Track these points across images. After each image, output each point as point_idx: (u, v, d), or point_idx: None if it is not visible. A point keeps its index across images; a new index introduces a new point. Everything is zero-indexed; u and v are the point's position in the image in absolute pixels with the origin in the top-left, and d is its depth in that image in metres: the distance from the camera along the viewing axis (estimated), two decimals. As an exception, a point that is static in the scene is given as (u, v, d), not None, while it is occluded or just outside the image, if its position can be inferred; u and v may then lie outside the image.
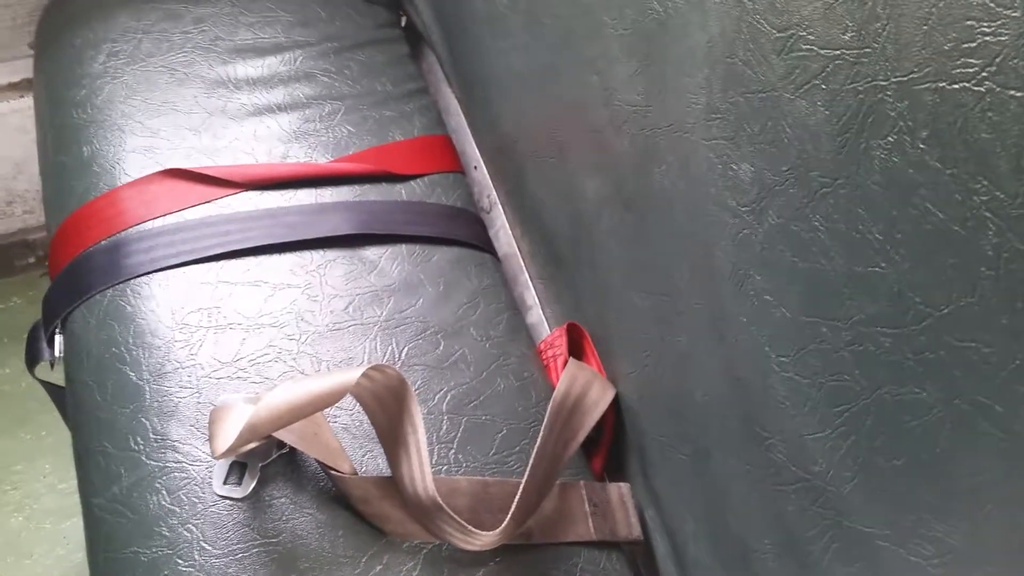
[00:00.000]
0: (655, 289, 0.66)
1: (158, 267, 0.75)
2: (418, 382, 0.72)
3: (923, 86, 0.40)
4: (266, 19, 0.92)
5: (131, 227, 0.78)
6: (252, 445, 0.63)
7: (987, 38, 0.37)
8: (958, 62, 0.38)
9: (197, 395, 0.69)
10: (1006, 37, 0.36)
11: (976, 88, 0.38)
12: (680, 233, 0.62)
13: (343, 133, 0.86)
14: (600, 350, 0.77)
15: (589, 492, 0.71)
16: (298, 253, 0.77)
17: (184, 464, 0.67)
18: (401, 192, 0.84)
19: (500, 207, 0.91)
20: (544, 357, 0.80)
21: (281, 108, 0.86)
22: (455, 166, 0.89)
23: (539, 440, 0.67)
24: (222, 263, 0.76)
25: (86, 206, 0.80)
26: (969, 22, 0.37)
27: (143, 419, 0.69)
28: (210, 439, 0.62)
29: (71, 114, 0.86)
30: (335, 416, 0.69)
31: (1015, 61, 0.36)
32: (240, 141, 0.83)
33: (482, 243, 0.84)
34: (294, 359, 0.71)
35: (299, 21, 0.93)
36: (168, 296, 0.74)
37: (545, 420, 0.69)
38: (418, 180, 0.85)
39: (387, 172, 0.83)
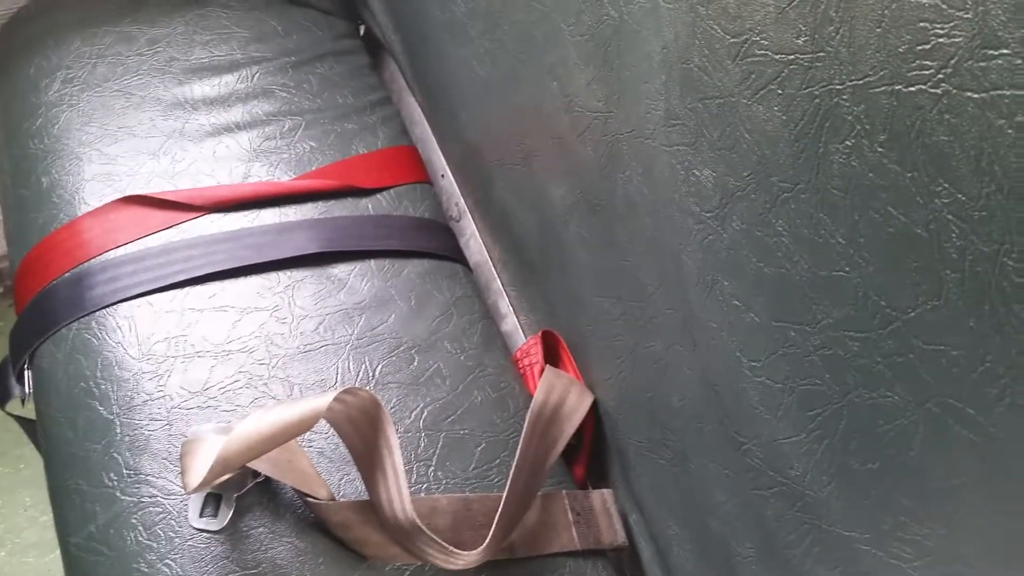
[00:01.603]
0: (626, 295, 0.66)
1: (122, 297, 0.74)
2: (393, 400, 0.71)
3: (879, 89, 0.40)
4: (221, 36, 0.90)
5: (93, 257, 0.76)
6: (226, 476, 0.62)
7: (941, 40, 0.36)
8: (913, 64, 0.38)
9: (168, 427, 0.68)
10: (960, 39, 0.36)
11: (932, 90, 0.37)
12: (647, 239, 0.61)
13: (305, 149, 0.85)
14: (576, 356, 0.77)
15: (571, 501, 0.70)
16: (264, 275, 0.76)
17: (159, 498, 0.66)
18: (367, 206, 0.83)
19: (469, 215, 0.90)
20: (520, 366, 0.79)
21: (240, 127, 0.85)
22: (421, 176, 0.88)
23: (518, 452, 0.67)
24: (187, 289, 0.74)
25: (48, 238, 0.79)
26: (922, 24, 0.37)
27: (115, 454, 0.68)
28: (182, 473, 0.61)
29: (28, 144, 0.84)
30: (310, 440, 0.68)
31: (970, 63, 0.35)
32: (200, 163, 0.82)
33: (452, 253, 0.83)
34: (265, 384, 0.70)
35: (254, 36, 0.91)
36: (134, 327, 0.73)
37: (523, 431, 0.68)
38: (384, 193, 0.84)
39: (352, 187, 0.82)
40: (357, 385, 0.71)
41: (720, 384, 0.56)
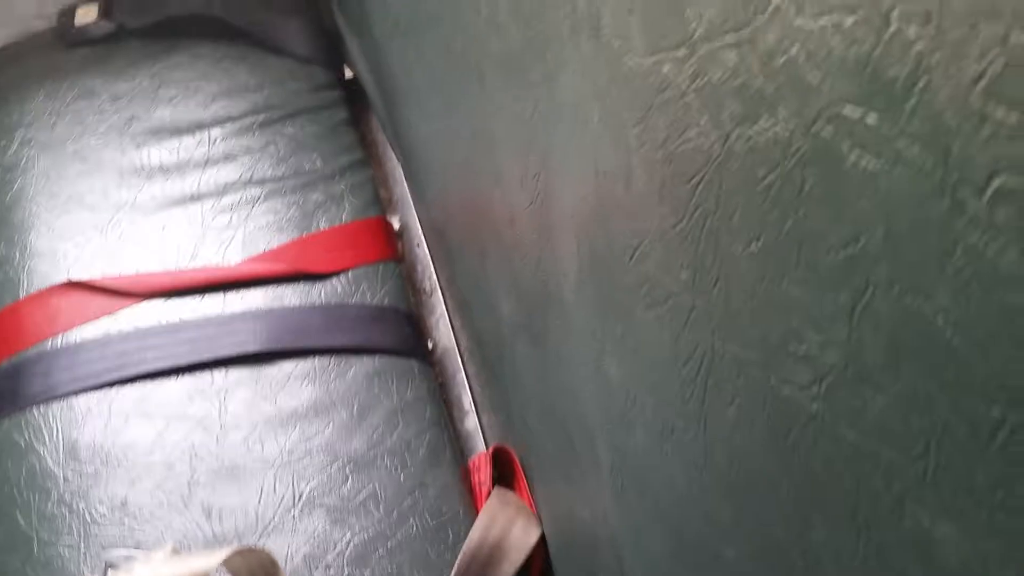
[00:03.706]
0: (561, 441, 0.58)
1: (54, 395, 0.70)
2: (319, 528, 0.66)
3: (755, 371, 0.31)
4: (187, 91, 0.85)
5: (31, 346, 0.73)
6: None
7: (814, 349, 0.28)
8: (786, 363, 0.29)
9: (83, 546, 0.65)
10: (833, 359, 0.27)
11: (807, 405, 0.28)
12: (575, 398, 0.53)
13: (260, 224, 0.79)
14: (528, 477, 0.70)
15: (503, 654, 0.64)
16: (198, 375, 0.71)
17: (64, 629, 0.63)
18: (320, 293, 0.77)
19: (440, 293, 0.84)
20: (472, 480, 0.73)
21: (194, 198, 0.79)
22: (387, 253, 0.81)
23: (442, 603, 0.61)
24: (116, 389, 0.70)
25: (-11, 320, 0.76)
26: (795, 321, 0.28)
27: (30, 573, 0.65)
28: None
29: (-19, 210, 0.81)
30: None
31: (844, 393, 0.27)
32: (147, 241, 0.77)
33: (409, 348, 0.76)
34: (184, 504, 0.66)
35: (223, 91, 0.85)
36: (61, 429, 0.69)
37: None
38: (341, 276, 0.78)
39: (303, 272, 0.76)
40: (280, 510, 0.66)
41: (632, 597, 0.48)
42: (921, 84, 0.21)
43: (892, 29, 0.21)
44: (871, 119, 0.23)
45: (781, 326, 0.29)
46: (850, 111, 0.23)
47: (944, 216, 0.21)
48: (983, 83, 0.19)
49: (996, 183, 0.20)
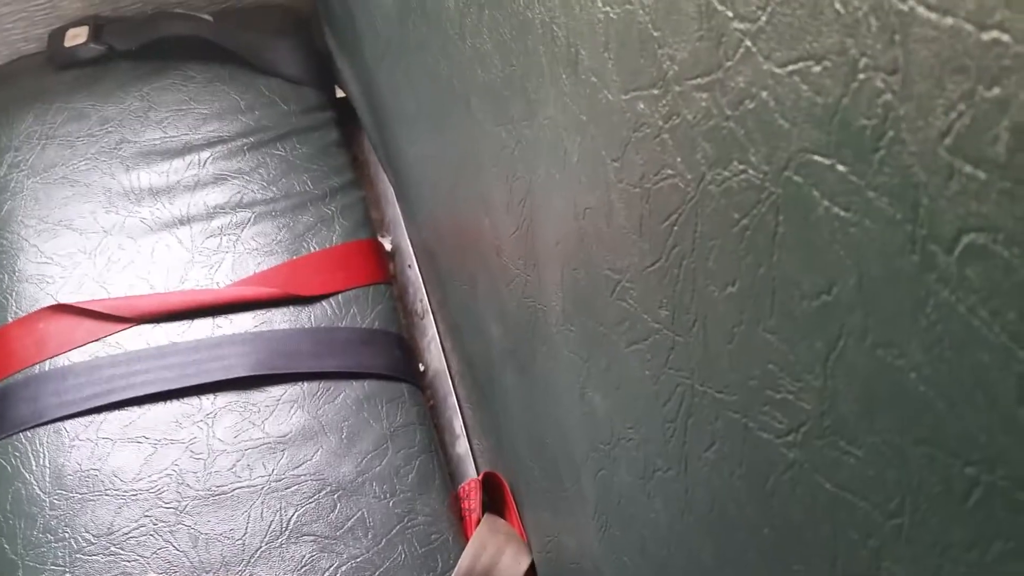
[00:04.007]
0: (548, 471, 0.58)
1: (41, 420, 0.70)
2: (305, 556, 0.65)
3: (734, 414, 0.30)
4: (177, 113, 0.84)
5: (18, 371, 0.72)
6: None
7: (790, 396, 0.27)
8: (764, 408, 0.28)
9: (68, 574, 0.64)
10: (810, 406, 0.26)
11: (784, 451, 0.28)
12: (561, 426, 0.53)
13: (250, 247, 0.78)
14: (518, 503, 0.69)
15: None
16: (186, 400, 0.70)
17: (49, 658, 0.62)
18: (310, 316, 0.76)
19: (431, 316, 0.83)
20: (462, 507, 0.72)
21: (183, 221, 0.79)
22: (377, 275, 0.80)
23: (430, 633, 0.60)
24: (104, 415, 0.70)
25: (-23, 343, 0.75)
26: (771, 366, 0.28)
27: (14, 601, 0.64)
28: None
29: (-30, 233, 0.80)
30: (210, 602, 0.63)
31: (820, 442, 0.26)
32: (136, 264, 0.77)
33: (399, 372, 0.75)
34: (170, 532, 0.65)
35: (214, 113, 0.85)
36: (48, 455, 0.68)
37: (440, 606, 0.61)
38: (331, 299, 0.77)
39: (293, 295, 0.75)
40: (267, 538, 0.66)
41: (618, 632, 0.48)
42: (889, 135, 0.20)
43: (860, 79, 0.21)
44: (841, 168, 0.22)
45: (758, 371, 0.28)
46: (820, 159, 0.23)
47: (915, 270, 0.21)
48: (950, 139, 0.19)
49: (965, 240, 0.19)
